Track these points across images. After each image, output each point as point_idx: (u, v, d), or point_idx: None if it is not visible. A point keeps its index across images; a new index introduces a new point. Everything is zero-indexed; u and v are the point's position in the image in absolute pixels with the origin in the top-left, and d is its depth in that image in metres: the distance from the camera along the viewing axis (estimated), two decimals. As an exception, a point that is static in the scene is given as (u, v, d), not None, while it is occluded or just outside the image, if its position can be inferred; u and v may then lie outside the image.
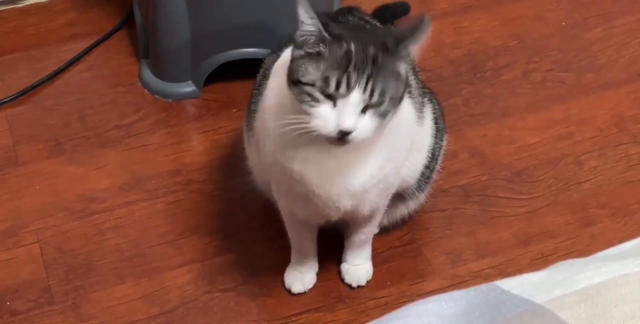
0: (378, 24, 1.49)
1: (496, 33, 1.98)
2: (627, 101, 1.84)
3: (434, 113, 1.48)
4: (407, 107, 1.33)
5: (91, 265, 1.58)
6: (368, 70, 1.13)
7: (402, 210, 1.55)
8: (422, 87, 1.46)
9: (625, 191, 1.69)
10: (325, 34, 1.14)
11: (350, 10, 1.50)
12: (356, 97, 1.13)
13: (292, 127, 1.18)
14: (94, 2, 2.04)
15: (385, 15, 1.71)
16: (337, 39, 1.14)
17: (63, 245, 1.61)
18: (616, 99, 1.85)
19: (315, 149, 1.23)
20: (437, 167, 1.53)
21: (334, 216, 1.37)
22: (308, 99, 1.14)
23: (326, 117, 1.14)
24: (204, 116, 1.83)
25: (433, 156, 1.49)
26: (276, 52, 1.41)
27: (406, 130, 1.34)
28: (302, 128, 1.16)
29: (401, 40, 1.16)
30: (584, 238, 1.61)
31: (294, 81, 1.16)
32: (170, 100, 1.86)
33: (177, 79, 1.85)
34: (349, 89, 1.12)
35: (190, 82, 1.85)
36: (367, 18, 1.49)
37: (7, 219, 1.65)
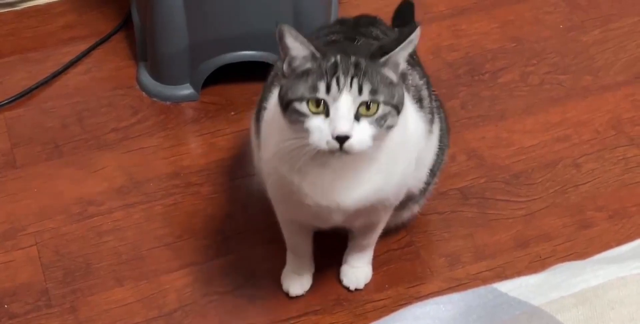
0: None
1: (494, 36, 1.98)
2: (625, 103, 1.85)
3: (440, 130, 1.47)
4: (416, 120, 1.34)
5: (89, 268, 1.58)
6: (352, 71, 1.15)
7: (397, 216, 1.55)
8: (436, 100, 1.46)
9: (623, 194, 1.69)
10: (317, 54, 1.17)
11: (373, 22, 1.49)
12: (347, 98, 1.14)
13: (291, 144, 1.20)
14: (92, 5, 2.04)
15: (407, 8, 1.67)
16: (325, 55, 1.18)
17: (61, 248, 1.61)
18: (613, 102, 1.85)
19: (315, 164, 1.23)
20: (434, 181, 1.53)
21: (328, 226, 1.38)
22: (300, 117, 1.16)
23: (320, 128, 1.16)
24: (202, 119, 1.83)
25: (432, 172, 1.48)
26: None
27: (414, 146, 1.34)
28: (301, 145, 1.18)
29: (386, 52, 1.18)
30: (582, 241, 1.61)
31: (286, 104, 1.18)
32: (168, 103, 1.86)
33: (175, 81, 1.85)
34: (339, 90, 1.14)
35: (188, 84, 1.85)
36: (388, 32, 1.48)
37: (5, 222, 1.65)
